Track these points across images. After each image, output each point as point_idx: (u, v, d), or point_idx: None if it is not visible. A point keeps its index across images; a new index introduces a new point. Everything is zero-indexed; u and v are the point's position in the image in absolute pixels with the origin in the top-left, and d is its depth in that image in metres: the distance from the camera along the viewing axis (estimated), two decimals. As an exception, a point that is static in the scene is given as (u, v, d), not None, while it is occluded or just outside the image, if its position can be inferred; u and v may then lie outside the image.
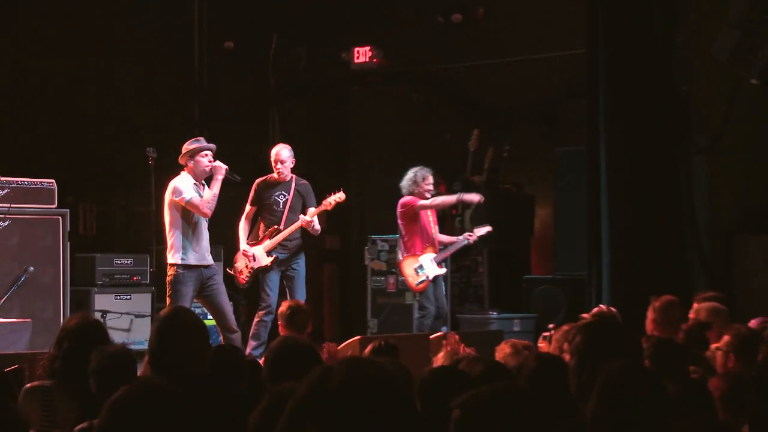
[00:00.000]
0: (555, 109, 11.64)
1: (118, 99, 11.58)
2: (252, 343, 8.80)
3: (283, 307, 7.03)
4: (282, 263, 8.98)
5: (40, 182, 9.59)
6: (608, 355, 3.44)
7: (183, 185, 8.29)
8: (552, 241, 11.41)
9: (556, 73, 11.26)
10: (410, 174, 9.77)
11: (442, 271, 9.76)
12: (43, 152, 10.82)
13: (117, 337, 9.31)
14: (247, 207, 9.18)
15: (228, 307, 8.46)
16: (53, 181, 9.66)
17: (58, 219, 9.57)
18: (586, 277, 9.50)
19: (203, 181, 8.44)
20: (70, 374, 4.36)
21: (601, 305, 6.99)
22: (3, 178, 9.29)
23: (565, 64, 10.95)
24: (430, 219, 9.79)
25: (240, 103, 12.54)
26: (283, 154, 9.00)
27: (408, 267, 9.69)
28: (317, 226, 8.99)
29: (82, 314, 4.87)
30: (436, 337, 7.99)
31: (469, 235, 9.93)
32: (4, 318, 8.70)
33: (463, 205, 10.76)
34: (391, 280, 11.17)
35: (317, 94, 12.74)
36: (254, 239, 9.09)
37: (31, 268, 9.32)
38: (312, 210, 9.01)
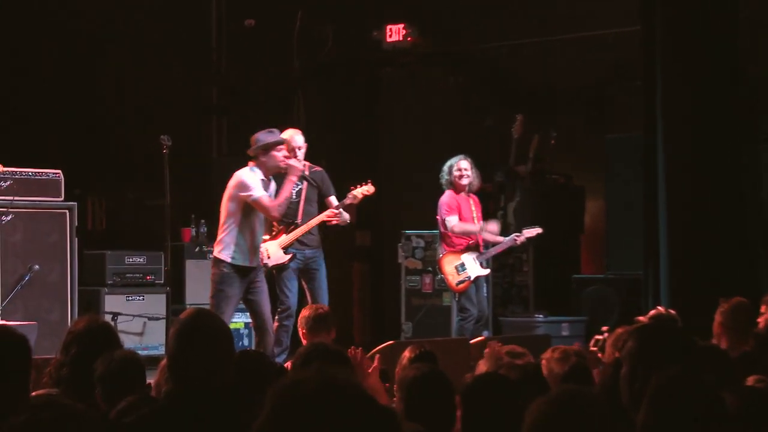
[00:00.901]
0: (606, 91, 11.59)
1: (129, 83, 11.65)
2: (274, 350, 8.82)
3: (304, 311, 7.09)
4: (301, 262, 8.98)
5: (46, 173, 9.66)
6: (664, 362, 3.43)
7: (252, 180, 8.27)
8: (604, 237, 11.38)
9: (608, 52, 11.22)
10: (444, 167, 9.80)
11: (485, 272, 9.74)
12: (48, 141, 10.89)
13: (129, 341, 9.37)
14: None
15: (268, 308, 8.45)
16: (60, 172, 9.72)
17: (65, 213, 9.63)
18: (641, 277, 9.46)
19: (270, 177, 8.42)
20: (79, 382, 4.39)
21: (659, 307, 6.98)
22: (5, 169, 9.35)
23: (618, 42, 10.90)
24: (474, 214, 9.79)
25: (261, 87, 12.57)
26: (298, 140, 8.98)
27: (448, 264, 9.69)
28: (345, 216, 8.98)
29: (91, 316, 4.91)
30: (477, 342, 8.00)
31: (517, 236, 9.90)
32: (7, 320, 8.76)
33: (505, 199, 10.73)
34: (427, 279, 11.17)
35: (345, 76, 12.75)
36: (266, 233, 9.10)
37: (36, 267, 9.39)
38: (334, 202, 8.98)
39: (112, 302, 10.18)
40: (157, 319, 10.14)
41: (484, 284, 9.86)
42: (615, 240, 11.04)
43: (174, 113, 11.58)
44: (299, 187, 9.00)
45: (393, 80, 12.87)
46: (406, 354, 5.20)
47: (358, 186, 9.04)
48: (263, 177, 8.36)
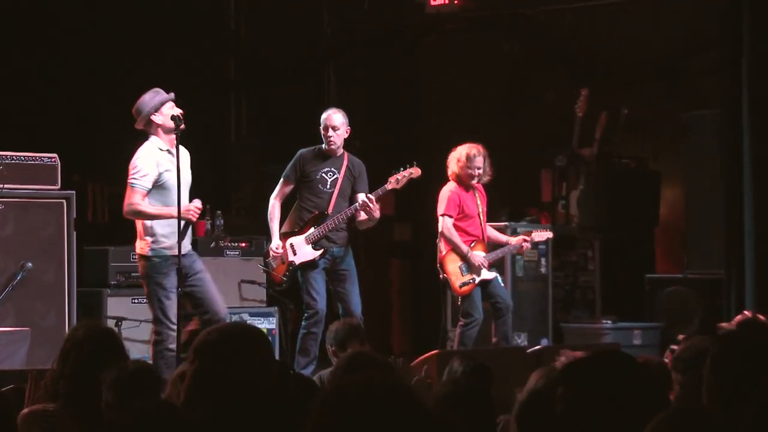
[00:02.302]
0: (687, 62, 11.53)
1: (135, 54, 11.69)
2: (300, 360, 8.86)
3: (332, 326, 7.17)
4: (328, 261, 9.01)
5: (40, 157, 9.72)
6: (752, 375, 3.42)
7: (141, 163, 8.10)
8: (683, 231, 11.33)
9: (688, 17, 11.17)
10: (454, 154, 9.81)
11: (492, 275, 9.77)
12: (43, 120, 10.96)
13: (134, 349, 9.43)
14: (280, 184, 9.17)
15: (216, 295, 8.24)
16: (56, 156, 9.78)
17: (62, 203, 9.70)
18: (724, 276, 9.43)
19: (177, 144, 8.13)
20: (78, 395, 4.45)
21: (745, 311, 6.96)
22: (-5, 153, 9.44)
23: (698, 7, 10.85)
24: (479, 209, 9.80)
25: (287, 59, 12.60)
26: (335, 119, 9.01)
27: (452, 263, 9.74)
28: (377, 213, 8.98)
29: (92, 322, 4.96)
30: (533, 351, 8.02)
31: (525, 240, 9.92)
32: (-4, 326, 8.86)
33: (568, 187, 10.71)
34: (477, 279, 11.18)
35: (383, 46, 12.76)
36: (290, 227, 9.13)
37: (29, 265, 9.46)
38: (367, 193, 8.96)
39: (116, 305, 10.24)
40: (167, 324, 10.20)
41: (498, 277, 9.89)
42: (696, 234, 10.99)
43: (187, 89, 11.60)
44: (335, 176, 9.04)
45: (438, 50, 12.86)
46: (457, 366, 5.20)
47: (402, 170, 9.08)
48: (167, 147, 8.20)
